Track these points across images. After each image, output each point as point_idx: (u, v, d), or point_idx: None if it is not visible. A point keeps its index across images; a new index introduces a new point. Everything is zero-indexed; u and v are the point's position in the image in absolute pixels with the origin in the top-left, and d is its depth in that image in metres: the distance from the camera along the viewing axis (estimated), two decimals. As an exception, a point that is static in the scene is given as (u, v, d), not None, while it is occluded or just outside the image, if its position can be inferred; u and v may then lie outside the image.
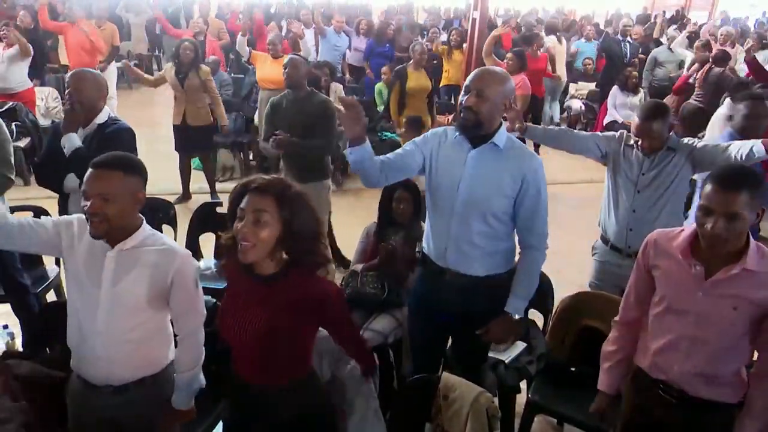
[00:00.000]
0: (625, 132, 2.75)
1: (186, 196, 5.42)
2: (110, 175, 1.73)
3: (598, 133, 2.87)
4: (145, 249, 1.81)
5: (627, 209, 2.69)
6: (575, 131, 2.97)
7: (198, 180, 5.57)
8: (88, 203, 1.71)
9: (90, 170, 1.76)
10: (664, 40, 9.12)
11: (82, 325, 1.85)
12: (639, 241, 2.62)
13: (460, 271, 2.18)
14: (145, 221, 1.86)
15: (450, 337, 2.44)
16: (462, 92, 2.10)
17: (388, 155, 2.19)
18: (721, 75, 5.98)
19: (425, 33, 9.54)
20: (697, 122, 5.25)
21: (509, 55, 5.72)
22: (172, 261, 1.81)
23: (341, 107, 2.00)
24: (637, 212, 2.66)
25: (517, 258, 2.25)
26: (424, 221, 2.97)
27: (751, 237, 1.69)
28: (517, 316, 2.16)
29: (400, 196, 2.96)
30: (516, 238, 2.23)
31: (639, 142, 2.60)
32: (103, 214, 1.71)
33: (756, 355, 1.79)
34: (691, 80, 6.37)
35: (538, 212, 2.12)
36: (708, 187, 1.64)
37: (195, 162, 5.66)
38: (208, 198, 5.23)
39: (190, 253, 1.91)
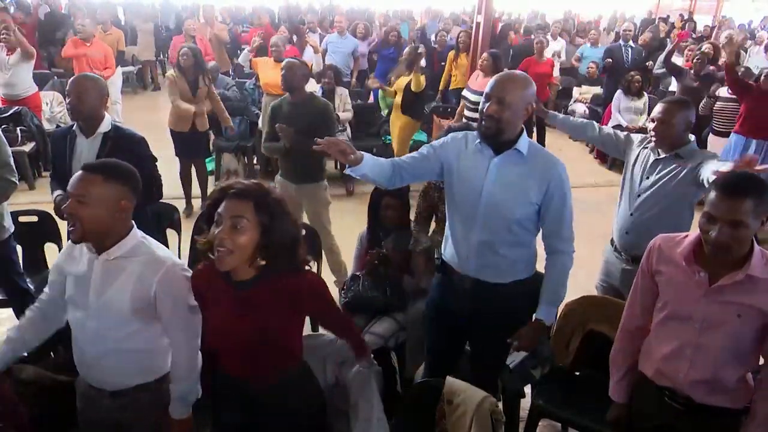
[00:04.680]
0: (645, 136, 2.71)
1: (191, 207, 5.33)
2: (90, 179, 1.72)
3: (619, 131, 2.85)
4: (131, 259, 1.78)
5: (626, 211, 2.67)
6: (600, 125, 2.94)
7: (195, 186, 5.47)
8: (68, 203, 1.73)
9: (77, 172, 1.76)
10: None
11: (76, 333, 1.86)
12: (633, 245, 2.61)
13: (482, 278, 2.16)
14: (135, 229, 1.83)
15: (467, 344, 2.41)
16: (483, 100, 2.07)
17: (404, 158, 2.19)
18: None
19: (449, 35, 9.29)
20: None
21: (484, 55, 5.56)
22: (156, 272, 1.77)
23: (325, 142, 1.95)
24: (634, 216, 2.62)
25: (538, 264, 2.22)
26: (413, 227, 2.98)
27: (755, 243, 1.66)
28: (548, 323, 2.15)
29: (387, 203, 2.97)
30: (535, 243, 2.20)
31: (652, 133, 2.55)
32: (77, 216, 1.71)
33: (762, 360, 1.77)
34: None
35: (564, 217, 2.10)
36: (712, 194, 1.63)
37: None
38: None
39: (182, 263, 1.86)
